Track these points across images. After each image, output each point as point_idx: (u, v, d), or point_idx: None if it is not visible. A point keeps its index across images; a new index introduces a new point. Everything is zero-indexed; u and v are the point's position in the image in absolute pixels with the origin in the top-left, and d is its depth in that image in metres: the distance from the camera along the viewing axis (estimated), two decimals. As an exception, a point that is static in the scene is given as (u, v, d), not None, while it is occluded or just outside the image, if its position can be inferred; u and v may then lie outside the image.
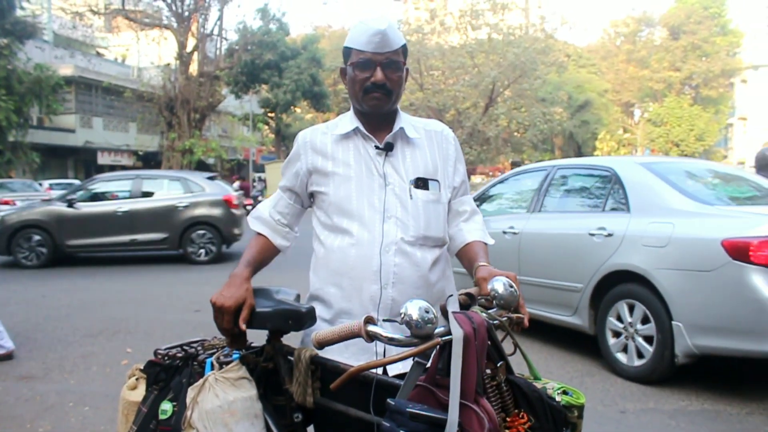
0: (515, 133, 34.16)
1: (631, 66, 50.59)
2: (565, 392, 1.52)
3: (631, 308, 4.73)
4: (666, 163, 5.69)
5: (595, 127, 49.47)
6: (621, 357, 4.80)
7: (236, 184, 30.15)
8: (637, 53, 50.50)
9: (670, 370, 4.48)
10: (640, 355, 4.63)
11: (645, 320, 4.60)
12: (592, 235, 5.05)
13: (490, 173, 42.24)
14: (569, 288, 5.23)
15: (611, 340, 4.89)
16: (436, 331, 1.35)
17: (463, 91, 30.35)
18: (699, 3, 48.31)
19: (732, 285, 4.08)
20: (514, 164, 38.48)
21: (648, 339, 4.58)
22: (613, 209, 5.13)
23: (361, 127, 1.84)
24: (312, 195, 1.91)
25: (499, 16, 31.12)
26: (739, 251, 4.04)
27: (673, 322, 4.36)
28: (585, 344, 5.55)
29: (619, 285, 4.83)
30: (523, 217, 5.96)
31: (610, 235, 4.89)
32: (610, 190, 5.25)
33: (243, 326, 1.70)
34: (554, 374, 4.67)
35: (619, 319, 4.81)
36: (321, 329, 1.51)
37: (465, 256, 1.89)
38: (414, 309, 1.32)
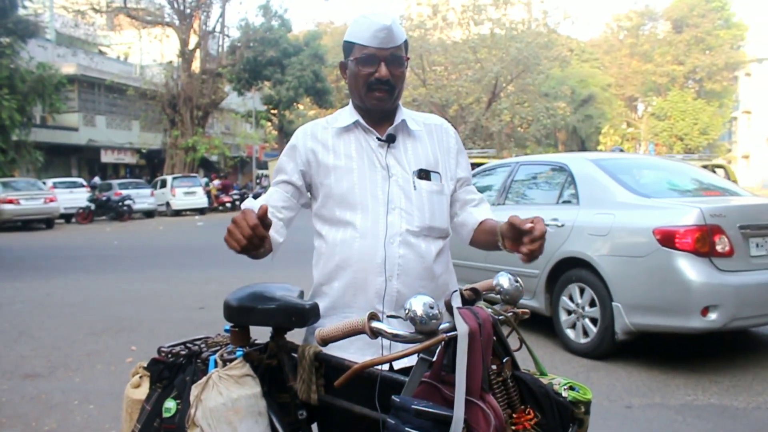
0: (518, 128, 34.11)
1: (634, 60, 50.36)
2: (571, 388, 1.51)
3: (580, 291, 5.20)
4: (615, 159, 6.18)
5: (598, 121, 49.33)
6: (571, 334, 5.27)
7: (216, 182, 30.20)
8: (640, 47, 50.24)
9: (612, 346, 4.93)
10: (587, 333, 5.11)
11: (591, 302, 5.07)
12: (547, 225, 5.39)
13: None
14: (528, 274, 5.45)
15: (563, 320, 5.34)
16: (441, 326, 1.33)
17: (466, 87, 30.32)
18: (701, -4, 48.09)
19: (661, 269, 4.59)
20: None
21: (594, 319, 5.05)
22: (565, 202, 5.63)
23: (361, 120, 1.82)
24: (311, 189, 1.87)
25: (502, 10, 31.07)
26: (667, 239, 4.57)
27: (613, 303, 4.82)
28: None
29: (570, 270, 5.29)
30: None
31: (562, 225, 5.35)
32: (563, 184, 5.73)
33: (265, 219, 1.48)
34: (559, 369, 4.66)
35: (571, 300, 5.27)
36: (325, 325, 1.49)
37: (484, 231, 1.84)
38: (418, 304, 1.30)
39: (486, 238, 1.83)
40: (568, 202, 5.57)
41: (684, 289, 4.48)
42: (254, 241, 1.47)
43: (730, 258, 4.55)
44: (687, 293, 4.47)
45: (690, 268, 4.47)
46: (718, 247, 4.52)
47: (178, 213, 26.52)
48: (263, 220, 1.47)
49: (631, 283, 4.77)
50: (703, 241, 4.48)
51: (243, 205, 1.90)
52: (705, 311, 4.41)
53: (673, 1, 50.20)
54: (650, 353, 5.13)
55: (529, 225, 1.55)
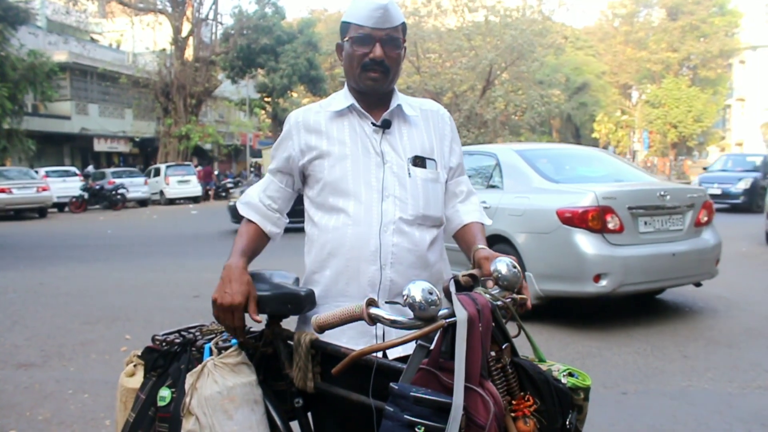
0: (513, 116, 34.00)
1: (628, 47, 50.21)
2: (570, 374, 1.50)
3: None
4: (537, 149, 7.24)
5: (593, 109, 49.27)
6: None
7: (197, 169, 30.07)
8: (634, 34, 50.09)
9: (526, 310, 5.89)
10: None
11: None
12: None
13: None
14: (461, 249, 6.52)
15: None
16: (440, 313, 1.31)
17: (461, 74, 30.18)
18: (696, -17, 47.93)
19: (562, 243, 5.42)
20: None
21: None
22: (492, 186, 6.44)
23: (356, 104, 1.79)
24: (305, 175, 1.84)
25: (497, -3, 30.88)
26: (566, 218, 5.39)
27: (526, 273, 5.47)
28: (585, 326, 5.56)
29: (494, 246, 5.89)
30: None
31: (488, 207, 5.99)
32: (492, 171, 6.54)
33: (258, 318, 1.68)
34: (554, 356, 4.62)
35: None
36: (318, 313, 1.47)
37: (462, 238, 1.87)
38: (417, 290, 1.28)
39: (462, 246, 1.87)
40: (495, 186, 6.39)
41: (579, 260, 5.32)
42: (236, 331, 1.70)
43: (620, 234, 5.42)
44: (582, 263, 5.31)
45: (585, 243, 5.30)
46: (610, 225, 5.38)
47: (171, 201, 26.46)
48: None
49: (540, 256, 5.61)
50: (597, 220, 5.36)
51: (240, 201, 1.89)
52: (597, 278, 5.24)
53: (668, -12, 50.06)
54: (644, 340, 5.14)
55: (488, 271, 1.60)
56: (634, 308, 6.27)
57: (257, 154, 38.39)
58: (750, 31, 51.59)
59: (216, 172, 31.80)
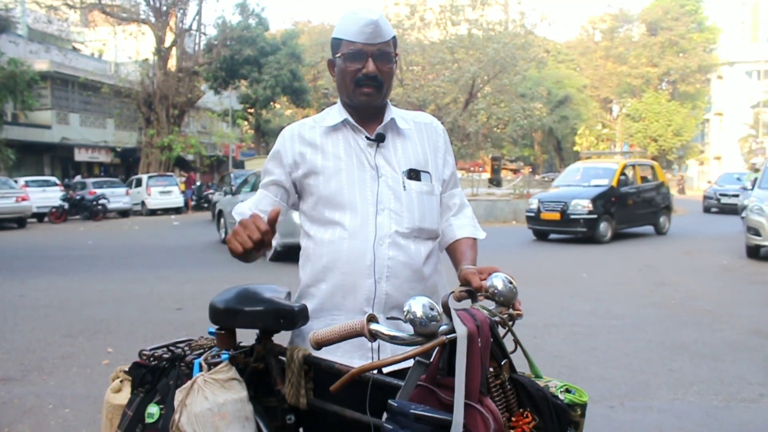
0: (495, 129, 34.14)
1: (609, 62, 50.87)
2: (567, 390, 1.48)
3: None
4: None
5: (574, 122, 49.76)
6: None
7: (181, 179, 29.99)
8: (615, 49, 50.78)
9: None
10: None
11: None
12: None
13: (471, 168, 42.27)
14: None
15: None
16: (440, 329, 1.29)
17: (443, 87, 30.33)
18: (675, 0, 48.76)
19: None
20: (495, 159, 38.62)
21: None
22: None
23: (350, 119, 1.79)
24: (299, 190, 1.83)
25: (479, 11, 31.13)
26: None
27: None
28: (572, 340, 5.57)
29: None
30: None
31: None
32: None
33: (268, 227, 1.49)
34: (541, 370, 4.65)
35: None
36: (315, 327, 1.45)
37: (453, 254, 1.86)
38: (418, 306, 1.26)
39: (453, 261, 1.85)
40: None
41: None
42: (259, 246, 1.48)
43: None
44: None
45: None
46: None
47: (153, 212, 26.26)
48: (272, 224, 1.50)
49: None
50: None
51: (234, 211, 1.86)
52: None
53: (647, 5, 50.84)
54: (630, 354, 5.16)
55: (477, 285, 1.59)
56: (618, 322, 6.30)
57: (240, 165, 38.23)
58: (727, 47, 52.58)
59: (198, 183, 31.58)
